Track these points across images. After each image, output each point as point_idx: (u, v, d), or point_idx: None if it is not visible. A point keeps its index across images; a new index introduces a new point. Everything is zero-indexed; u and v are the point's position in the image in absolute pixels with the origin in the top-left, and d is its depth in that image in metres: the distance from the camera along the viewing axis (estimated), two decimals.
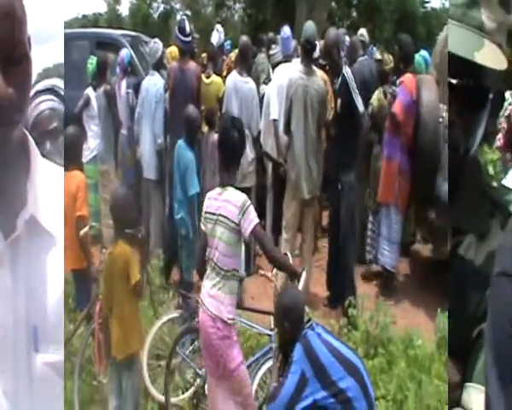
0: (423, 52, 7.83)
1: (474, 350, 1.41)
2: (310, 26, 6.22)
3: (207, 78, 7.48)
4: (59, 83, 3.23)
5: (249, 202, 3.67)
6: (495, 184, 1.59)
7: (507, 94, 3.19)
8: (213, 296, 3.71)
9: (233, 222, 3.61)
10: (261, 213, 7.45)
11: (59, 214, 1.60)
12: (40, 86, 3.10)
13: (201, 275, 3.94)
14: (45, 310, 1.52)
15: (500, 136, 3.09)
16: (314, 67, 6.27)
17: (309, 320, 3.51)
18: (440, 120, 6.26)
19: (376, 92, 6.82)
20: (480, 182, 1.59)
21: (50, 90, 3.18)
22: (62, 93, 3.22)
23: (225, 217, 3.64)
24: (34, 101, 3.10)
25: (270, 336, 4.23)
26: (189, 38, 6.69)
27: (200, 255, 3.93)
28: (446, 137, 5.98)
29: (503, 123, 3.04)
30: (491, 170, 3.67)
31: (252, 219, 3.61)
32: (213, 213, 3.72)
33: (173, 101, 6.71)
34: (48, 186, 1.60)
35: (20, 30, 1.46)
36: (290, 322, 3.40)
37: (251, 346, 5.02)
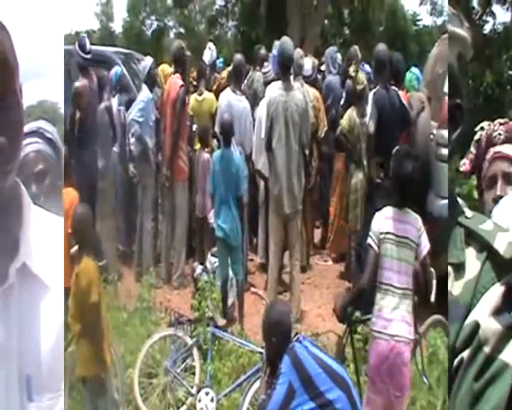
0: (414, 69, 7.89)
1: (455, 379, 1.42)
2: (288, 42, 6.23)
3: (200, 95, 7.51)
4: (44, 125, 3.20)
5: (423, 226, 3.93)
6: (470, 213, 1.60)
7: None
8: (405, 320, 3.81)
9: (413, 242, 3.81)
10: (254, 230, 7.53)
11: (55, 263, 1.58)
12: (25, 129, 3.06)
13: (363, 291, 3.97)
14: (39, 359, 1.50)
15: (466, 160, 3.14)
16: (293, 83, 6.30)
17: (296, 334, 3.54)
18: (431, 136, 6.30)
19: (348, 112, 6.72)
20: (455, 214, 1.61)
21: (36, 133, 3.15)
22: (48, 135, 3.18)
23: (409, 238, 3.81)
24: None
25: (261, 354, 4.23)
26: (89, 56, 6.85)
27: (372, 273, 3.90)
28: (437, 154, 6.04)
29: (472, 148, 3.10)
30: (475, 194, 3.82)
31: (426, 244, 3.88)
32: (396, 235, 3.84)
33: (88, 116, 6.80)
34: (40, 234, 1.59)
35: (12, 78, 1.46)
36: (278, 336, 3.43)
37: (242, 364, 4.99)
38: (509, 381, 1.31)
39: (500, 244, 1.46)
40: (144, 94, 7.26)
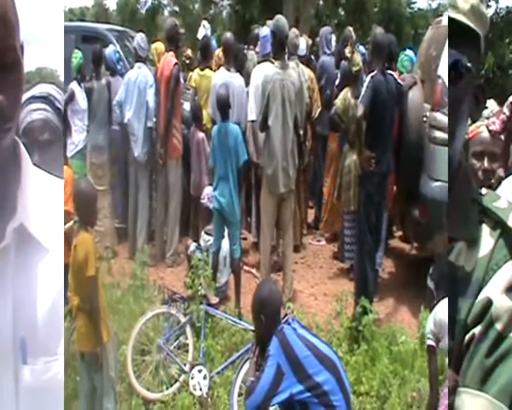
0: (408, 51, 7.89)
1: (465, 355, 1.43)
2: (283, 20, 6.14)
3: (202, 70, 7.52)
4: (54, 92, 3.13)
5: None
6: (484, 191, 1.61)
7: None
8: None
9: None
10: (247, 211, 7.56)
11: (54, 225, 1.56)
12: (35, 92, 2.97)
13: None
14: (34, 321, 1.48)
15: (496, 120, 3.02)
16: (288, 62, 6.28)
17: (285, 315, 3.55)
18: (424, 119, 6.31)
19: (343, 92, 6.78)
20: (469, 190, 1.62)
21: (45, 99, 3.07)
22: (57, 104, 3.11)
23: None
24: (28, 107, 2.98)
25: (254, 331, 4.26)
26: None
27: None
28: (430, 136, 6.05)
29: (505, 109, 2.99)
30: None
31: None
32: None
33: None
34: (39, 195, 1.56)
35: (12, 36, 1.42)
36: (266, 315, 3.42)
37: (235, 342, 5.04)
38: None
39: None
40: (150, 76, 7.30)
